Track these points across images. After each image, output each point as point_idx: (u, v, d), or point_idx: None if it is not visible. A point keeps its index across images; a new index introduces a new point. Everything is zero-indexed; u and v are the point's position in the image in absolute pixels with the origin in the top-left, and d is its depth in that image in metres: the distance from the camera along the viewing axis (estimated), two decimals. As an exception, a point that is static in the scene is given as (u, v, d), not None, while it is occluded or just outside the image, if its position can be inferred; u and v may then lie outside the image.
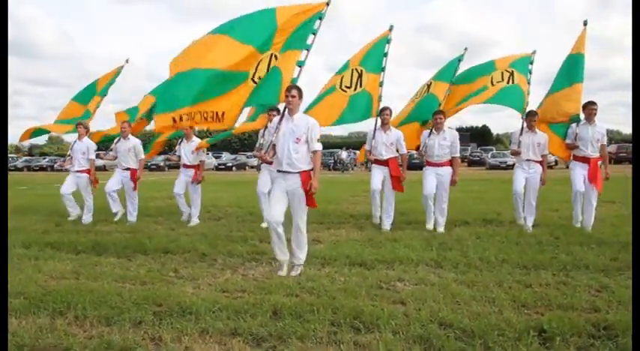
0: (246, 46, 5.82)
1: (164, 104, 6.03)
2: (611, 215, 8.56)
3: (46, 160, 46.99)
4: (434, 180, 7.38)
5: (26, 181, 23.47)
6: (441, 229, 7.36)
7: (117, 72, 9.77)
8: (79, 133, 8.67)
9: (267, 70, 5.96)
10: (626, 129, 71.89)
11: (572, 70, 7.50)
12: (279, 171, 5.15)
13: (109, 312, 3.79)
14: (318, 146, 5.08)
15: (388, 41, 7.72)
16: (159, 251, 6.04)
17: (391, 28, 7.75)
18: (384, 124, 7.55)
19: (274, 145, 5.17)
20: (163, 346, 3.28)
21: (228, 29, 5.86)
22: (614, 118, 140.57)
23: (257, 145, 7.63)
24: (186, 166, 8.53)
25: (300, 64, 5.83)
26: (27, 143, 73.96)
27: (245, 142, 53.27)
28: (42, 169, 44.00)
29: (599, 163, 7.21)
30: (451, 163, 7.44)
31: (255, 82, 5.92)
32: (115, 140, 8.87)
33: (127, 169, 8.60)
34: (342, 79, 7.73)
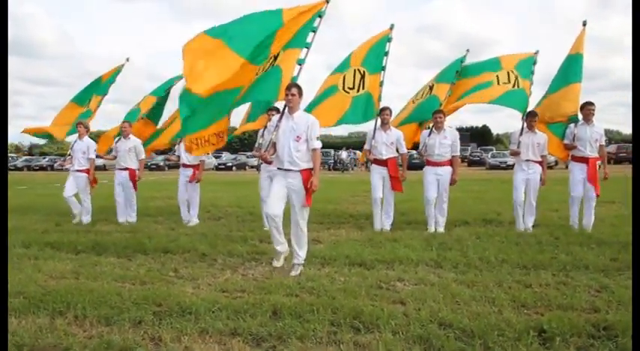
0: (247, 63, 5.83)
1: (191, 126, 5.87)
2: (610, 215, 8.56)
3: (46, 159, 46.97)
4: (435, 183, 7.38)
5: (26, 181, 23.48)
6: (440, 229, 7.37)
7: (117, 70, 9.75)
8: (80, 133, 8.64)
9: (265, 69, 5.97)
10: (626, 129, 71.94)
11: (570, 70, 7.51)
12: (279, 169, 5.15)
13: (109, 312, 3.79)
14: (318, 144, 5.08)
15: (389, 40, 7.70)
16: (159, 251, 6.04)
17: (392, 27, 7.74)
18: (384, 124, 7.54)
19: (274, 144, 5.17)
20: (163, 346, 3.28)
21: (232, 39, 5.65)
22: (614, 118, 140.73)
23: (256, 145, 7.63)
24: (185, 166, 8.53)
25: (301, 63, 5.83)
26: (27, 143, 74.14)
27: (245, 142, 53.24)
28: (42, 168, 44.02)
29: (598, 163, 7.21)
30: (451, 162, 7.44)
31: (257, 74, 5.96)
32: (116, 139, 8.86)
33: (126, 168, 8.60)
34: (344, 79, 7.67)
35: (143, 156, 8.79)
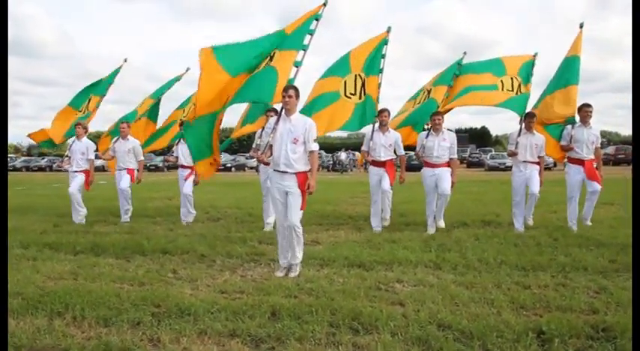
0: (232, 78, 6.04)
1: (204, 151, 6.58)
2: (609, 217, 8.56)
3: (45, 160, 46.89)
4: (434, 184, 7.37)
5: (25, 182, 23.45)
6: (441, 222, 7.38)
7: (115, 71, 9.74)
8: (78, 133, 8.61)
9: (258, 69, 6.00)
10: (625, 131, 72.05)
11: (567, 72, 7.53)
12: (275, 170, 5.15)
13: (108, 313, 3.78)
14: (315, 146, 5.09)
15: (386, 43, 7.71)
16: (157, 252, 6.03)
17: (389, 30, 7.73)
18: (383, 126, 7.55)
19: (271, 146, 5.17)
20: (162, 347, 3.28)
21: (230, 65, 6.06)
22: (613, 120, 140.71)
23: (254, 146, 7.63)
24: (183, 167, 8.53)
25: (297, 65, 5.84)
26: (25, 143, 74.03)
27: (244, 143, 53.21)
28: (41, 169, 43.95)
29: (594, 165, 7.23)
30: (449, 164, 7.44)
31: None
32: (114, 140, 8.85)
33: (125, 169, 8.59)
34: (345, 85, 7.61)
35: (142, 157, 8.78)
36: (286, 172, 5.04)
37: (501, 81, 7.80)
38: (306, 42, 5.97)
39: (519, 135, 7.35)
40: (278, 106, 5.45)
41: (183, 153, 8.46)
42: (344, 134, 57.88)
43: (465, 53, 8.55)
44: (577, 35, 7.63)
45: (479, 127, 72.12)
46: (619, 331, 3.32)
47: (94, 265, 5.45)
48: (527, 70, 7.94)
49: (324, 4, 6.12)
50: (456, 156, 7.50)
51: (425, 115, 7.95)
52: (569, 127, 7.31)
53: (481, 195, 13.26)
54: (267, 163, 5.34)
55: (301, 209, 5.10)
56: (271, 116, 6.64)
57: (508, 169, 25.43)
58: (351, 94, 7.61)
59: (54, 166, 38.13)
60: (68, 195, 8.60)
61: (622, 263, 5.14)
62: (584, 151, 7.17)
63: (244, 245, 6.38)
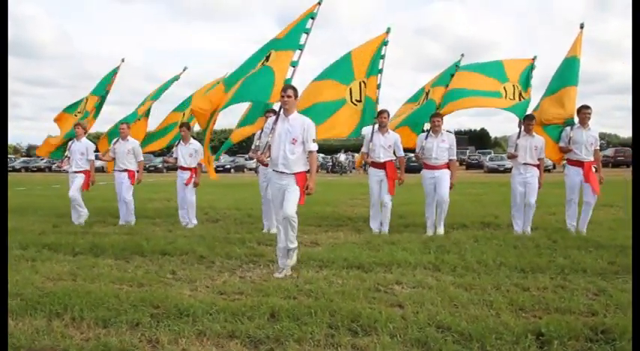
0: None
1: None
2: (608, 219, 8.58)
3: (44, 161, 46.72)
4: (434, 186, 7.36)
5: (24, 182, 23.44)
6: (440, 229, 7.38)
7: (112, 71, 9.73)
8: (77, 134, 8.59)
9: (256, 68, 6.01)
10: (624, 133, 72.19)
11: (567, 73, 7.52)
12: (274, 171, 5.15)
13: (106, 314, 3.78)
14: (314, 147, 5.09)
15: (385, 43, 7.70)
16: (156, 253, 6.02)
17: (388, 31, 7.72)
18: (382, 127, 7.54)
19: (270, 146, 5.16)
20: (160, 348, 3.27)
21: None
22: (612, 121, 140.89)
23: (253, 147, 7.63)
24: (182, 169, 8.51)
25: (294, 65, 5.84)
26: (25, 144, 73.97)
27: (243, 145, 53.25)
28: (40, 170, 43.93)
29: (594, 166, 7.24)
30: (448, 165, 7.44)
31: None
32: (114, 141, 8.84)
33: (125, 170, 8.58)
34: (351, 92, 7.59)
35: (142, 158, 8.78)
36: (284, 173, 5.05)
37: (504, 88, 7.76)
38: (302, 41, 5.98)
39: (519, 137, 7.36)
40: (276, 106, 5.47)
41: (182, 154, 8.46)
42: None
43: (462, 55, 8.55)
44: (577, 36, 7.63)
45: (478, 129, 72.22)
46: (618, 333, 3.32)
47: (93, 266, 5.44)
48: (527, 76, 7.93)
49: (319, 3, 6.13)
50: (455, 157, 7.51)
51: (424, 116, 7.95)
52: (567, 128, 7.32)
53: (480, 197, 13.28)
54: (266, 164, 5.34)
55: (300, 203, 5.08)
56: (270, 116, 6.64)
57: (507, 171, 25.46)
58: (357, 100, 7.60)
59: (53, 166, 38.07)
60: (69, 198, 8.59)
61: (621, 265, 5.14)
62: (583, 153, 7.18)
63: (243, 246, 6.38)
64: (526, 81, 7.92)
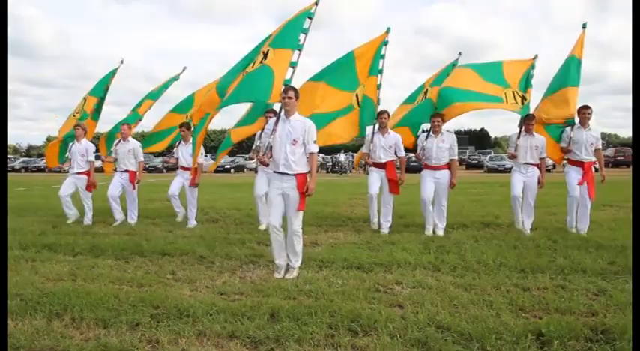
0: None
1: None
2: (608, 219, 8.57)
3: (44, 161, 46.76)
4: (432, 185, 7.37)
5: (24, 183, 23.43)
6: (440, 232, 7.35)
7: (110, 72, 9.70)
8: (77, 135, 8.56)
9: (253, 66, 6.00)
10: (624, 133, 72.26)
11: (569, 73, 7.50)
12: (275, 172, 5.15)
13: (106, 314, 3.78)
14: (315, 148, 5.09)
15: (385, 43, 7.68)
16: (156, 253, 6.03)
17: (388, 31, 7.71)
18: (382, 128, 7.54)
19: (271, 147, 5.16)
20: (160, 348, 3.28)
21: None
22: (612, 122, 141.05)
23: (254, 148, 7.62)
24: (184, 169, 8.52)
25: (293, 65, 5.84)
26: (25, 144, 73.93)
27: (243, 145, 53.27)
28: (40, 170, 43.86)
29: (595, 166, 7.23)
30: (449, 165, 7.44)
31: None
32: (115, 142, 8.84)
33: (126, 171, 8.58)
34: (357, 97, 7.61)
35: (142, 158, 8.77)
36: (285, 174, 5.04)
37: (505, 94, 7.70)
38: (300, 42, 5.97)
39: (519, 137, 7.36)
40: (276, 106, 5.46)
41: (183, 155, 8.47)
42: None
43: (460, 54, 8.55)
44: (579, 36, 7.61)
45: (478, 129, 72.22)
46: (618, 333, 3.33)
47: (93, 266, 5.45)
48: (528, 79, 7.89)
49: (316, 3, 6.12)
50: (456, 157, 7.50)
51: (423, 116, 7.93)
52: (568, 129, 7.31)
53: (480, 197, 13.26)
54: (267, 165, 5.33)
55: (300, 209, 5.10)
56: (270, 117, 6.64)
57: (507, 171, 25.48)
58: (359, 104, 7.63)
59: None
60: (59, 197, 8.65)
61: (621, 265, 5.14)
62: (583, 153, 7.18)
63: (243, 246, 6.38)
64: (526, 82, 7.89)
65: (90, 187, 8.65)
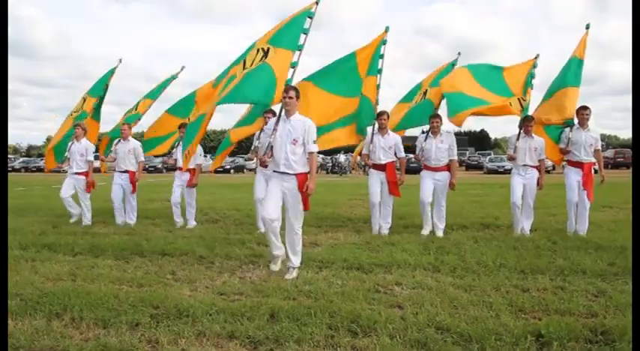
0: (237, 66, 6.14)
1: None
2: (608, 220, 8.58)
3: (44, 161, 46.67)
4: (431, 185, 7.37)
5: (24, 182, 23.43)
6: (439, 233, 7.35)
7: (109, 71, 9.70)
8: (77, 134, 8.53)
9: (254, 58, 5.99)
10: (624, 134, 72.28)
11: (570, 73, 7.50)
12: (275, 172, 5.15)
13: (106, 314, 3.78)
14: (315, 148, 5.09)
15: (384, 43, 7.66)
16: (156, 253, 6.03)
17: (387, 30, 7.68)
18: (382, 129, 7.53)
19: (272, 147, 5.16)
20: (160, 348, 3.27)
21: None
22: (612, 123, 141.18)
23: (252, 148, 7.61)
24: (182, 170, 8.49)
25: (294, 65, 5.84)
26: (24, 144, 73.90)
27: (243, 145, 53.23)
28: (40, 170, 43.74)
29: (594, 167, 7.22)
30: (449, 166, 7.44)
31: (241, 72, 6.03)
32: (115, 142, 8.83)
33: (126, 171, 8.57)
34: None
35: (142, 158, 8.76)
36: (286, 173, 5.05)
37: (510, 103, 7.67)
38: (301, 42, 5.97)
39: (518, 139, 7.35)
40: (275, 107, 5.46)
41: (182, 156, 8.44)
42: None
43: (459, 53, 8.53)
44: (582, 37, 7.59)
45: (478, 130, 72.27)
46: (618, 334, 3.33)
47: (93, 267, 5.44)
48: (529, 82, 7.88)
49: (317, 3, 6.12)
50: (455, 157, 7.49)
51: (422, 117, 7.91)
52: (567, 129, 7.31)
53: (480, 198, 13.27)
54: (266, 166, 5.33)
55: (305, 209, 5.10)
56: (269, 117, 6.62)
57: (507, 172, 25.49)
58: None
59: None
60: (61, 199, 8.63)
61: (621, 266, 5.14)
62: (582, 154, 7.17)
63: (243, 247, 6.38)
64: (527, 83, 7.88)
65: (89, 187, 8.64)
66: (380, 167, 7.56)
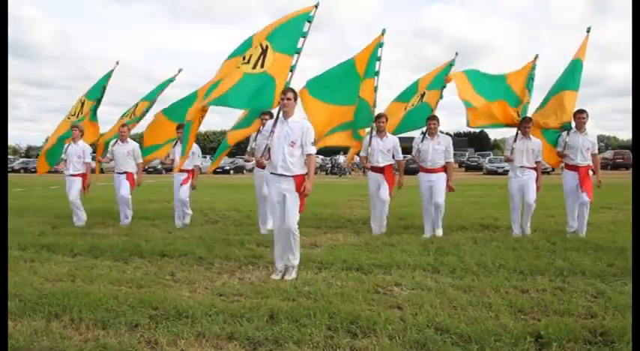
0: (234, 59, 6.12)
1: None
2: (607, 221, 8.58)
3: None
4: (429, 187, 7.35)
5: (23, 183, 23.39)
6: (439, 231, 7.36)
7: (107, 74, 9.68)
8: (74, 136, 8.46)
9: (252, 53, 5.98)
10: (623, 135, 72.35)
11: (569, 76, 7.50)
12: (272, 173, 5.14)
13: (105, 315, 3.77)
14: (312, 150, 5.09)
15: (381, 45, 7.64)
16: (155, 254, 6.02)
17: (384, 32, 7.66)
18: (380, 131, 7.52)
19: (269, 149, 5.15)
20: (159, 349, 3.27)
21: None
22: (611, 124, 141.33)
23: (248, 149, 7.59)
24: (180, 170, 8.46)
25: (292, 69, 5.84)
26: (24, 145, 73.82)
27: (242, 146, 53.29)
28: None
29: (591, 171, 7.20)
30: (445, 168, 7.42)
31: (238, 67, 5.99)
32: (112, 143, 8.80)
33: (125, 173, 8.55)
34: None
35: (141, 160, 8.75)
36: (283, 175, 5.04)
37: (518, 112, 7.67)
38: (299, 45, 5.98)
39: (515, 140, 7.34)
40: (275, 109, 5.45)
41: (179, 156, 8.42)
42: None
43: (456, 54, 8.52)
44: (583, 39, 7.58)
45: (477, 131, 72.19)
46: (617, 335, 3.33)
47: (92, 267, 5.44)
48: (528, 82, 7.87)
49: (316, 6, 6.12)
50: (451, 160, 7.47)
51: (420, 120, 7.90)
52: (564, 133, 7.32)
53: (479, 199, 13.28)
54: (264, 167, 5.32)
55: (300, 212, 5.10)
56: (266, 119, 6.59)
57: (506, 173, 25.45)
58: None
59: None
60: (69, 203, 8.55)
61: (620, 267, 5.14)
62: (579, 158, 7.16)
63: (242, 248, 6.38)
64: (526, 85, 7.88)
65: (85, 188, 8.59)
66: (378, 170, 7.56)
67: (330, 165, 38.27)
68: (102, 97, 9.57)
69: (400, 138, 8.08)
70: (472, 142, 62.12)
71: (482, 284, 4.65)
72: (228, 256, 5.94)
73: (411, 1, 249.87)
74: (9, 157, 51.41)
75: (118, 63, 9.83)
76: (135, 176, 8.68)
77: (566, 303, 4.06)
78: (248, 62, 5.98)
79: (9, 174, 34.08)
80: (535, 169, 7.34)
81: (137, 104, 9.59)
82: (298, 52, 5.91)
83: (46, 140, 10.02)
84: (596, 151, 7.31)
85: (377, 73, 7.61)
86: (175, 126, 8.26)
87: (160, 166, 37.23)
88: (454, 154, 7.93)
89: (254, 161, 6.19)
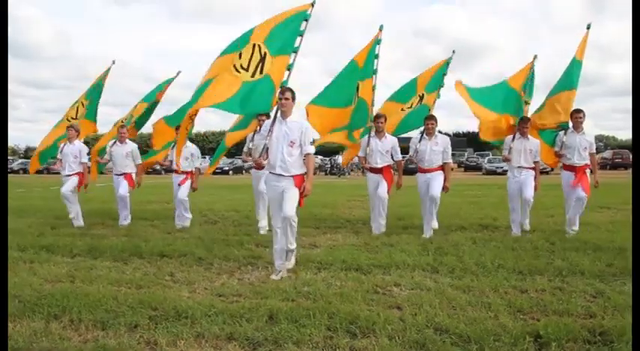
0: (228, 56, 6.06)
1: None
2: (606, 221, 8.58)
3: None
4: (427, 187, 7.36)
5: (22, 184, 23.37)
6: (434, 224, 7.43)
7: (104, 74, 9.66)
8: (70, 136, 8.43)
9: (251, 59, 5.96)
10: (622, 135, 72.38)
11: (568, 76, 7.50)
12: (271, 173, 5.14)
13: (104, 316, 3.77)
14: (312, 149, 5.09)
15: (378, 42, 7.58)
16: (155, 255, 6.02)
17: (381, 28, 7.60)
18: (379, 132, 7.51)
19: (267, 149, 5.15)
20: (159, 350, 3.27)
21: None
22: (611, 124, 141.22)
23: (245, 150, 7.58)
24: (177, 172, 8.44)
25: (289, 68, 5.84)
26: (23, 146, 73.78)
27: (241, 147, 53.21)
28: (38, 171, 43.57)
29: (588, 170, 7.20)
30: (443, 168, 7.41)
31: (238, 71, 5.95)
32: (110, 143, 8.77)
33: (123, 174, 8.54)
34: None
35: (140, 160, 8.73)
36: (282, 175, 5.04)
37: (516, 120, 7.68)
38: (296, 44, 5.98)
39: (513, 140, 7.34)
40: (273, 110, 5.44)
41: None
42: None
43: (453, 52, 8.50)
44: (583, 37, 7.58)
45: (477, 131, 72.13)
46: (616, 335, 3.33)
47: (91, 268, 5.44)
48: (530, 86, 7.88)
49: (312, 4, 6.12)
50: (449, 160, 7.46)
51: (419, 120, 7.89)
52: (561, 133, 7.32)
53: (478, 199, 13.29)
54: (261, 167, 5.32)
55: (300, 206, 5.10)
56: (263, 120, 6.58)
57: (505, 173, 25.47)
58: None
59: (50, 167, 37.90)
60: (61, 196, 8.51)
61: (619, 267, 5.14)
62: (576, 158, 7.16)
63: (241, 248, 6.38)
64: (526, 86, 7.89)
65: (82, 186, 8.56)
66: (377, 171, 7.55)
67: (329, 165, 38.28)
68: (99, 96, 9.55)
69: (399, 138, 8.09)
70: (471, 142, 61.98)
71: (481, 284, 4.65)
72: (227, 256, 5.94)
73: (411, 1, 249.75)
74: (8, 158, 51.40)
75: (114, 62, 9.81)
76: (134, 177, 8.66)
77: (566, 303, 4.06)
78: (247, 70, 5.96)
79: (8, 175, 34.06)
80: (533, 169, 7.35)
81: (136, 106, 9.59)
82: (295, 51, 5.91)
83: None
84: (594, 151, 7.31)
85: (375, 72, 7.58)
86: (174, 129, 8.26)
87: (159, 167, 37.23)
88: (453, 155, 7.93)
89: (251, 162, 6.18)
